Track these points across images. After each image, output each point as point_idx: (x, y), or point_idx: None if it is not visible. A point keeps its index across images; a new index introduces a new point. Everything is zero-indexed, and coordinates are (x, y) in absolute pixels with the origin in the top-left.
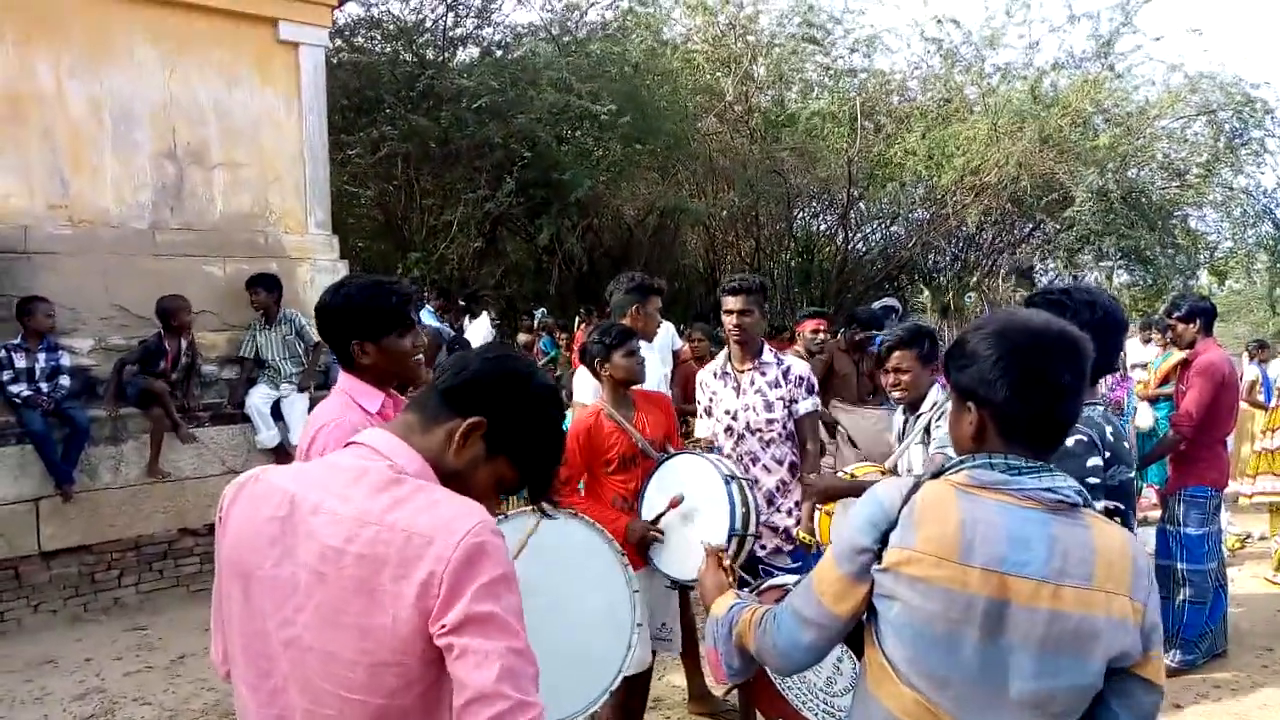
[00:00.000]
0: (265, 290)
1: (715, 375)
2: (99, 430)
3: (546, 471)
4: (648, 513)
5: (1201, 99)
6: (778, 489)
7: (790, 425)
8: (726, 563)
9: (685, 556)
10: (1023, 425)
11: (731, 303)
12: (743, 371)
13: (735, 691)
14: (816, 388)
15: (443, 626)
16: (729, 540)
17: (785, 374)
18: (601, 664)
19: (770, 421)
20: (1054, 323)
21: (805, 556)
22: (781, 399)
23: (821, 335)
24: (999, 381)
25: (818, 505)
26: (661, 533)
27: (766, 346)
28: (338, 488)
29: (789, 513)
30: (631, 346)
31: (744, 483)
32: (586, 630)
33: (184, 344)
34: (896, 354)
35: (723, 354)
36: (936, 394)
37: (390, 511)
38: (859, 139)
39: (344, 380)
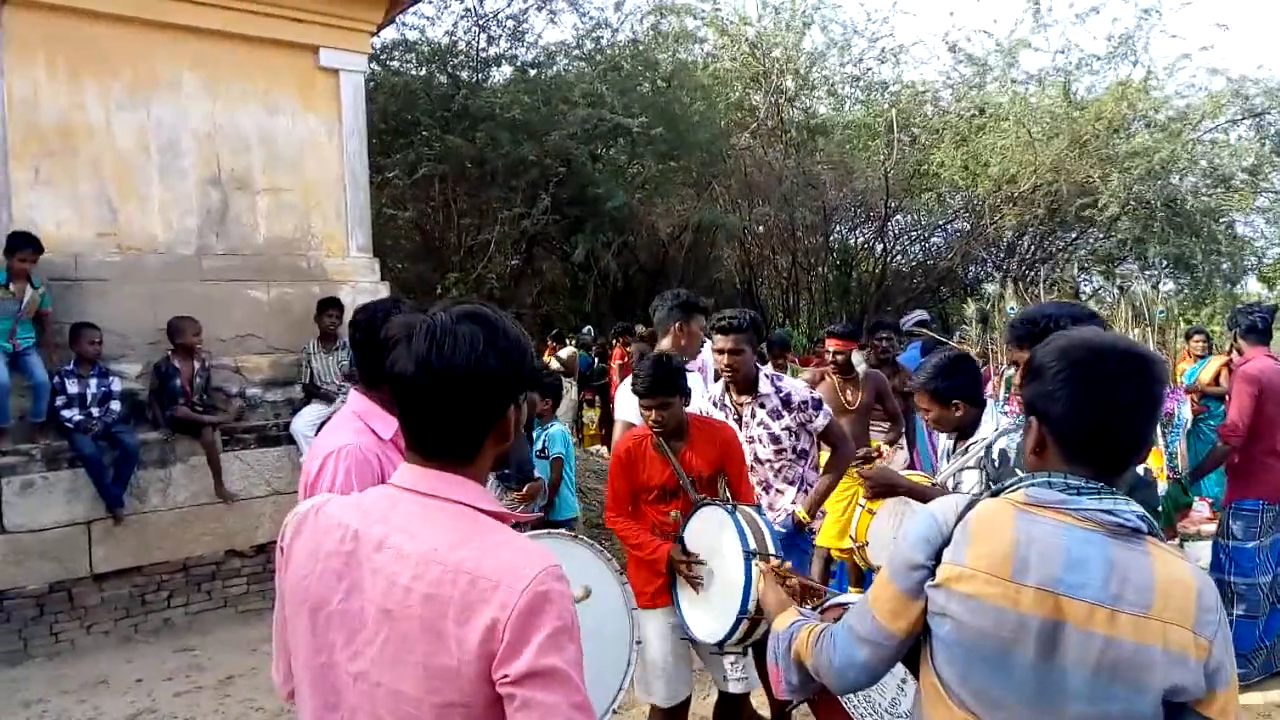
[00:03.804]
0: (339, 313)
1: (715, 404)
2: (147, 454)
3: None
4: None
5: (1246, 104)
6: (794, 504)
7: (802, 443)
8: (793, 581)
9: (699, 617)
10: (1083, 443)
11: (721, 342)
12: (742, 405)
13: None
14: (823, 400)
15: (505, 676)
16: (735, 623)
17: (786, 401)
18: (600, 685)
19: (779, 452)
20: (1121, 341)
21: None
22: (788, 428)
23: (838, 357)
24: (1059, 394)
25: (862, 502)
26: (700, 579)
27: (762, 376)
28: (401, 522)
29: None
30: (650, 401)
31: (773, 558)
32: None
33: (197, 366)
34: (917, 395)
35: (719, 384)
36: (990, 419)
37: (455, 551)
38: (895, 150)
39: (356, 401)
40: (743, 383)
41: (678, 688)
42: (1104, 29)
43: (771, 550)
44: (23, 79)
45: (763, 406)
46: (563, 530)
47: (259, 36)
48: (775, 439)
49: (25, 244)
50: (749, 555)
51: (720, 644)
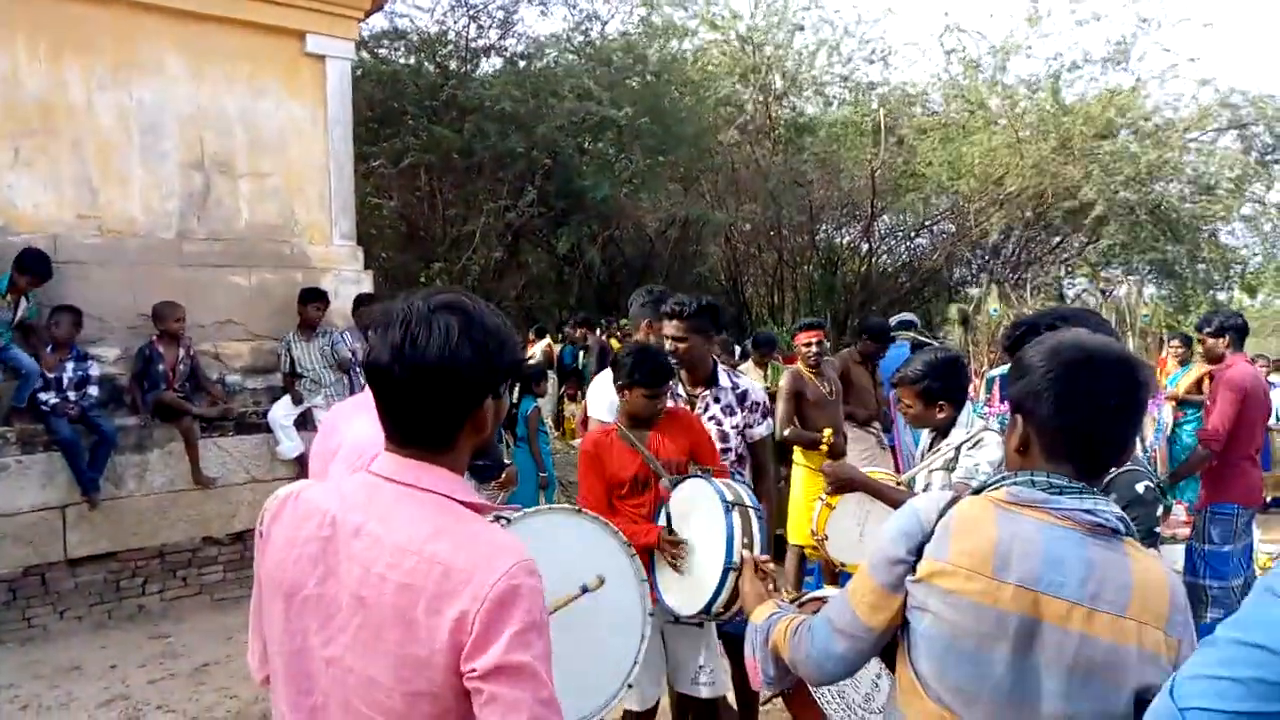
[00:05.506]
0: (324, 304)
1: (669, 396)
2: (125, 438)
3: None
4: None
5: (1233, 114)
6: None
7: (743, 449)
8: (772, 586)
9: (685, 590)
10: (1066, 442)
11: (667, 328)
12: (695, 395)
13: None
14: (770, 410)
15: (473, 670)
16: (723, 576)
17: (741, 399)
18: (616, 661)
19: (725, 450)
20: (1112, 344)
21: None
22: (736, 426)
23: (815, 347)
24: (1045, 394)
25: (823, 496)
26: (682, 557)
27: (721, 369)
28: (379, 510)
29: None
30: (657, 390)
31: (751, 510)
32: (600, 627)
33: (181, 352)
34: (901, 389)
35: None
36: (966, 422)
37: (431, 542)
38: (882, 150)
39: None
40: (695, 372)
41: (651, 690)
42: (1101, 34)
43: (749, 502)
44: (3, 57)
45: (717, 401)
46: (566, 505)
47: (244, 20)
48: (724, 436)
49: (37, 268)
50: (727, 506)
51: (708, 607)
